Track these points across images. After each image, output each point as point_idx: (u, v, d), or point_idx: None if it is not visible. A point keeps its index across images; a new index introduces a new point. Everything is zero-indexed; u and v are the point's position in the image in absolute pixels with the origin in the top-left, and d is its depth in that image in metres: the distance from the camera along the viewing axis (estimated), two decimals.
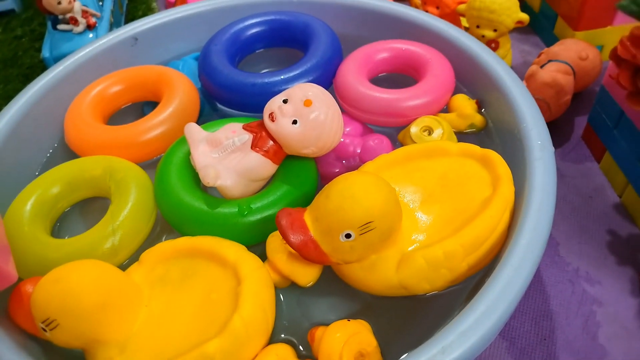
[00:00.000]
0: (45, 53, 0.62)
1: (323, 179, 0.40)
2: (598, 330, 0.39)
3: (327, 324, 0.31)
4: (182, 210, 0.36)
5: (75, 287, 0.29)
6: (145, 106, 0.49)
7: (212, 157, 0.36)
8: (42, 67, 0.68)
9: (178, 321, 0.30)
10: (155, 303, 0.31)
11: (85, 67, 0.48)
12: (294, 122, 0.35)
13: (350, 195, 0.29)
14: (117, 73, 0.46)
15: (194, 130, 0.38)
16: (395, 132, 0.43)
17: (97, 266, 0.30)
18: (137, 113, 0.49)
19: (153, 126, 0.42)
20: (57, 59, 0.61)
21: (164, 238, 0.38)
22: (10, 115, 0.42)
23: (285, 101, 0.36)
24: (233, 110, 0.47)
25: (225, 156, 0.36)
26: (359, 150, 0.40)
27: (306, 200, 0.37)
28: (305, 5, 0.52)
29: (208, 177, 0.35)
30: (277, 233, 0.34)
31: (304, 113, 0.35)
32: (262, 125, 0.37)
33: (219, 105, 0.48)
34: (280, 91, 0.42)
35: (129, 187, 0.37)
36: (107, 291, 0.29)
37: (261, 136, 0.36)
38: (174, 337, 0.30)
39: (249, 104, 0.45)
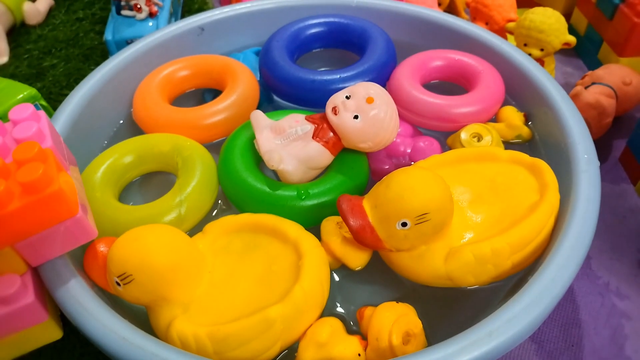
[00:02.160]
0: (108, 36, 0.65)
1: (373, 175, 0.43)
2: (625, 342, 0.40)
3: (374, 305, 0.33)
4: (244, 189, 0.38)
5: (152, 246, 0.31)
6: (205, 93, 0.52)
7: (275, 143, 0.39)
8: (101, 48, 0.71)
9: (239, 288, 0.33)
10: (218, 270, 0.34)
11: (154, 51, 0.51)
12: (355, 117, 0.38)
13: (410, 186, 0.32)
14: (186, 59, 0.49)
15: (259, 117, 0.40)
16: (441, 136, 0.45)
17: (171, 231, 0.33)
18: (197, 98, 0.52)
19: (217, 112, 0.45)
20: (119, 42, 0.65)
21: (221, 213, 0.41)
22: (86, 89, 0.45)
23: (348, 97, 0.38)
24: (288, 103, 0.49)
25: (287, 143, 0.39)
26: (409, 150, 0.42)
27: (358, 192, 0.40)
28: (363, 10, 0.54)
29: (273, 161, 0.37)
30: (331, 218, 0.37)
31: (366, 109, 0.37)
32: (323, 118, 0.39)
33: (275, 98, 0.51)
34: (337, 89, 0.44)
35: (195, 164, 0.40)
36: (178, 254, 0.32)
37: (322, 127, 0.39)
38: (235, 302, 0.32)
39: (306, 98, 0.47)
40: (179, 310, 0.32)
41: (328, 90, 0.46)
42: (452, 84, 0.50)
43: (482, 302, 0.36)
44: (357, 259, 0.35)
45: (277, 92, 0.50)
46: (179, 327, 0.31)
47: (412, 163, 0.42)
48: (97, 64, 0.69)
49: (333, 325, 0.31)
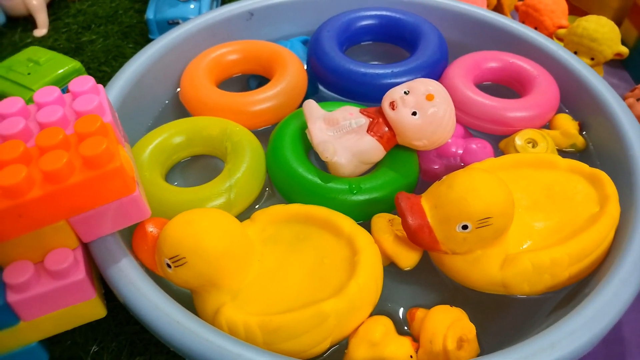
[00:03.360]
0: (150, 15, 0.65)
1: (421, 174, 0.42)
2: None
3: (422, 306, 0.33)
4: (294, 179, 0.38)
5: (207, 230, 0.31)
6: (250, 79, 0.51)
7: (328, 135, 0.38)
8: (140, 27, 0.71)
9: (289, 279, 0.32)
10: (267, 259, 0.33)
11: (202, 33, 0.50)
12: (414, 113, 0.37)
13: (473, 188, 0.31)
14: (236, 43, 0.49)
15: (313, 107, 0.40)
16: (489, 139, 0.44)
17: (225, 216, 0.32)
18: (241, 84, 0.51)
19: (265, 99, 0.44)
20: (160, 21, 0.64)
21: (266, 202, 0.40)
22: (135, 66, 0.45)
23: (406, 92, 0.38)
24: (334, 94, 0.49)
25: (340, 136, 0.38)
26: (460, 152, 0.41)
27: (408, 190, 0.39)
28: (414, 5, 0.53)
29: (327, 152, 0.37)
30: (382, 214, 0.36)
31: (425, 106, 0.37)
32: (379, 112, 0.38)
33: (321, 88, 0.50)
34: (388, 84, 0.44)
35: (244, 150, 0.39)
36: (232, 240, 0.31)
37: (378, 122, 0.38)
38: (286, 292, 0.32)
39: (355, 91, 0.46)
40: (228, 297, 0.32)
41: (378, 85, 0.45)
42: (500, 86, 0.49)
43: (527, 312, 0.35)
44: (408, 258, 0.34)
45: (325, 83, 0.49)
46: (228, 314, 0.30)
47: (463, 164, 0.41)
48: (136, 42, 0.69)
49: (386, 324, 0.31)
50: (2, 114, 0.31)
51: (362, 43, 0.53)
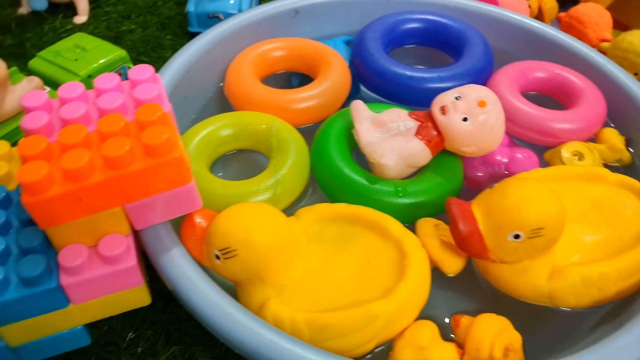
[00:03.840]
0: (190, 8, 0.65)
1: (464, 181, 0.41)
2: None
3: (458, 313, 0.33)
4: (340, 179, 0.38)
5: (259, 224, 0.31)
6: (292, 76, 0.51)
7: (375, 136, 0.38)
8: (179, 19, 0.71)
9: (335, 277, 0.32)
10: (312, 256, 0.33)
11: (247, 29, 0.50)
12: (465, 119, 0.37)
13: (528, 197, 0.31)
14: (282, 40, 0.49)
15: (361, 108, 0.40)
16: (534, 149, 0.44)
17: (275, 211, 0.32)
18: (282, 81, 0.52)
19: (309, 97, 0.44)
20: (200, 15, 0.65)
21: (308, 199, 0.41)
22: (183, 59, 0.45)
23: (457, 98, 0.37)
24: (376, 96, 0.49)
25: (388, 137, 0.38)
26: (505, 160, 0.41)
27: (453, 196, 0.38)
28: (460, 11, 0.53)
29: (375, 154, 0.37)
30: (428, 219, 0.36)
31: (476, 113, 0.36)
32: (428, 116, 0.38)
33: (363, 89, 0.50)
34: (433, 89, 0.44)
35: (290, 146, 0.39)
36: (281, 235, 0.32)
37: (427, 126, 0.38)
38: (332, 290, 0.32)
39: (399, 93, 0.46)
40: (273, 292, 0.32)
41: (423, 89, 0.45)
42: (541, 96, 0.48)
43: (568, 324, 0.35)
44: (454, 264, 0.34)
45: (368, 84, 0.49)
46: (274, 309, 0.30)
47: (507, 173, 0.41)
48: (174, 34, 0.69)
49: (432, 329, 0.31)
50: (63, 98, 0.31)
51: (405, 46, 0.53)
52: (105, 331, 0.39)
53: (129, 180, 0.28)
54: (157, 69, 0.34)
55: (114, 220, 0.30)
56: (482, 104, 0.36)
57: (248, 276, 0.31)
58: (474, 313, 0.33)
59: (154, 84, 0.32)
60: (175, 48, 0.67)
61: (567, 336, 0.34)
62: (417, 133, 0.38)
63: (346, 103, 0.45)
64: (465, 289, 0.36)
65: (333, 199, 0.39)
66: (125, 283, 0.31)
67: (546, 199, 0.31)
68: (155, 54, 0.66)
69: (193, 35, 0.67)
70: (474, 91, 0.37)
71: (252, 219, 0.31)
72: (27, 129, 0.29)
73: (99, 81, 0.32)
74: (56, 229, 0.28)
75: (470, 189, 0.41)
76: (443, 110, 0.37)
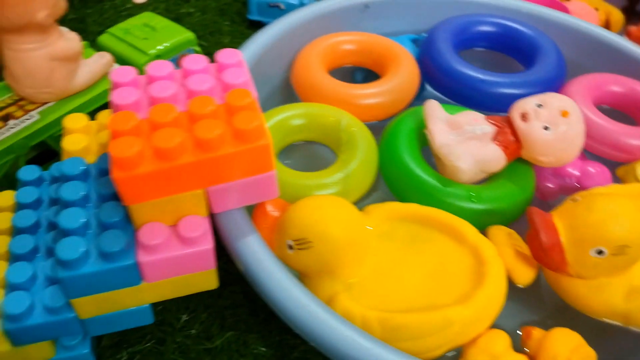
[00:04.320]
0: None
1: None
2: None
3: (527, 324, 0.32)
4: (411, 179, 0.37)
5: (336, 217, 0.31)
6: (357, 71, 0.51)
7: (450, 138, 0.38)
8: (237, 6, 0.71)
9: (407, 278, 0.32)
10: (382, 255, 0.33)
11: (316, 21, 0.50)
12: (546, 128, 0.36)
13: (615, 213, 0.30)
14: (352, 33, 0.48)
15: (436, 108, 0.39)
16: (605, 164, 0.42)
17: (350, 205, 0.32)
18: (344, 75, 0.51)
19: (377, 94, 0.44)
20: (261, 3, 0.64)
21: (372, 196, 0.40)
22: (254, 47, 0.45)
23: (539, 105, 0.36)
24: (442, 96, 0.48)
25: (462, 140, 0.37)
26: (576, 173, 0.40)
27: (525, 205, 0.38)
28: (533, 18, 0.52)
29: (452, 155, 0.36)
30: (500, 227, 0.36)
31: (558, 122, 0.36)
32: (506, 122, 0.38)
33: (428, 89, 0.49)
34: (504, 94, 0.43)
35: (359, 142, 0.39)
36: (356, 230, 0.31)
37: (505, 132, 0.37)
38: (403, 291, 0.31)
39: (468, 96, 0.46)
40: (341, 287, 0.31)
41: (493, 93, 0.45)
42: (613, 110, 0.47)
43: (630, 345, 0.34)
44: (527, 275, 0.33)
45: (436, 84, 0.48)
46: (345, 304, 0.30)
47: (579, 187, 0.40)
48: (233, 20, 0.69)
49: (506, 339, 0.30)
50: (152, 76, 0.31)
51: (475, 49, 0.52)
52: (159, 311, 0.39)
53: (217, 164, 0.28)
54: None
55: (195, 202, 0.30)
56: (565, 114, 0.35)
57: (319, 268, 0.31)
58: (538, 325, 0.32)
59: (242, 69, 0.32)
60: (233, 35, 0.67)
61: (633, 356, 0.34)
62: (495, 138, 0.37)
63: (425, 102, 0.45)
64: (528, 300, 0.36)
65: (401, 198, 0.38)
66: (199, 265, 0.30)
67: (634, 216, 0.30)
68: (213, 38, 0.66)
69: (252, 22, 0.67)
70: (557, 100, 0.36)
71: (329, 212, 0.31)
72: (118, 104, 0.29)
73: (187, 62, 0.32)
74: (139, 206, 0.28)
75: (539, 199, 0.40)
76: (524, 116, 0.36)
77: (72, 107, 0.42)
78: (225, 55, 0.32)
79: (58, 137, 0.42)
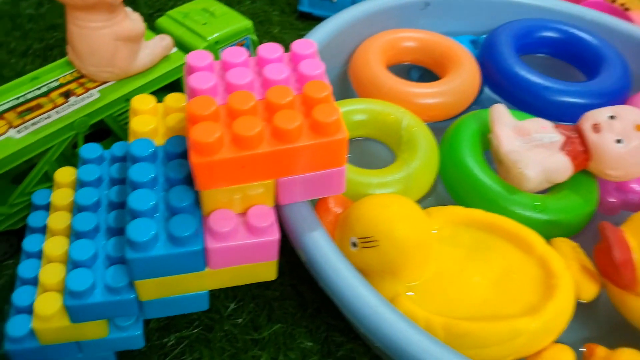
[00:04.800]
0: None
1: None
2: None
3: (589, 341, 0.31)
4: (475, 185, 0.37)
5: (404, 218, 0.30)
6: (413, 69, 0.50)
7: (516, 144, 0.37)
8: None
9: (471, 285, 0.31)
10: (444, 259, 0.32)
11: (375, 17, 0.49)
12: (618, 141, 0.35)
13: None
14: (413, 30, 0.48)
15: (502, 112, 0.38)
16: None
17: (417, 206, 0.32)
18: (399, 73, 0.50)
19: (437, 94, 0.43)
20: None
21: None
22: (315, 38, 0.44)
23: (611, 117, 0.36)
24: (498, 99, 0.47)
25: (529, 148, 0.37)
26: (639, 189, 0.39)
27: (588, 219, 0.37)
28: (596, 25, 0.51)
29: (521, 163, 0.35)
30: (565, 239, 0.35)
31: (632, 136, 0.35)
32: (576, 132, 0.37)
33: (486, 91, 0.48)
34: (567, 103, 0.42)
35: (421, 141, 0.39)
36: (422, 231, 0.31)
37: (574, 142, 0.36)
38: (468, 298, 0.31)
39: (529, 102, 0.45)
40: (402, 289, 0.31)
41: (556, 101, 0.44)
42: None
43: None
44: (591, 290, 0.33)
45: (496, 87, 0.47)
46: (407, 307, 0.30)
47: None
48: (282, 10, 0.69)
49: (572, 355, 0.29)
50: (227, 62, 0.31)
51: (536, 54, 0.51)
52: None
53: (293, 155, 0.28)
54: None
55: (265, 192, 0.29)
56: (639, 127, 0.34)
57: (382, 268, 0.31)
58: (597, 342, 0.32)
59: (318, 60, 0.31)
60: (282, 25, 0.67)
61: None
62: (564, 147, 0.36)
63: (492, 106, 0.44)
64: (587, 316, 0.35)
65: (461, 202, 0.38)
66: (263, 255, 0.30)
67: None
68: (263, 28, 0.65)
69: (301, 14, 0.67)
70: (632, 113, 0.35)
71: (397, 211, 0.30)
72: (195, 88, 0.29)
73: (262, 50, 0.32)
74: (211, 192, 0.28)
75: (599, 212, 0.39)
76: (596, 127, 0.36)
77: (132, 88, 0.42)
78: (300, 45, 0.32)
79: (117, 117, 0.43)
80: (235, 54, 0.31)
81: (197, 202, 0.30)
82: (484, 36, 0.51)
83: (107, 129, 0.46)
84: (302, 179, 0.29)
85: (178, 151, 0.32)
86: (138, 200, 0.29)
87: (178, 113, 0.34)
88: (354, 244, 0.31)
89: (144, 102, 0.34)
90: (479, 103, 0.47)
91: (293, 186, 0.30)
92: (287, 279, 0.40)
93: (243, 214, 0.29)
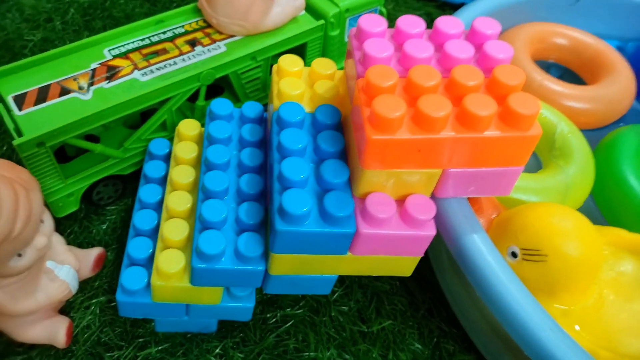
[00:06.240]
0: None
1: None
2: None
3: None
4: (635, 203, 0.33)
5: (580, 234, 0.27)
6: (552, 68, 0.46)
7: None
8: None
9: (636, 319, 0.28)
10: (606, 285, 0.29)
11: (520, 6, 0.45)
12: None
13: None
14: (565, 27, 0.44)
15: None
16: None
17: (590, 222, 0.28)
18: None
19: (591, 98, 0.40)
20: None
21: None
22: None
23: None
24: None
25: None
26: None
27: None
28: None
29: None
30: None
31: None
32: None
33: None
34: None
35: (577, 148, 0.35)
36: (596, 252, 0.27)
37: None
38: (632, 334, 0.27)
39: None
40: (558, 312, 0.28)
41: None
42: None
43: None
44: None
45: None
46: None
47: None
48: None
49: None
50: (403, 31, 0.28)
51: None
52: None
53: (477, 145, 0.24)
54: None
55: (427, 180, 0.26)
56: None
57: (541, 286, 0.28)
58: None
59: (503, 42, 0.28)
60: (396, 2, 0.63)
61: None
62: None
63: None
64: None
65: (616, 222, 0.34)
66: (411, 250, 0.27)
67: None
68: None
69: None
70: None
71: (573, 226, 0.27)
72: (372, 56, 0.26)
73: (441, 23, 0.28)
74: (373, 173, 0.25)
75: None
76: None
77: (260, 46, 0.40)
78: (483, 23, 0.28)
79: (241, 74, 0.40)
80: (412, 23, 0.28)
81: (348, 179, 0.27)
82: (631, 43, 0.46)
83: (217, 85, 0.44)
84: (474, 174, 0.26)
85: (329, 122, 0.29)
86: (291, 169, 0.26)
87: (326, 80, 0.31)
88: (514, 254, 0.28)
89: (292, 63, 0.32)
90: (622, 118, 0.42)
91: (460, 179, 0.27)
92: None
93: (400, 201, 0.27)
